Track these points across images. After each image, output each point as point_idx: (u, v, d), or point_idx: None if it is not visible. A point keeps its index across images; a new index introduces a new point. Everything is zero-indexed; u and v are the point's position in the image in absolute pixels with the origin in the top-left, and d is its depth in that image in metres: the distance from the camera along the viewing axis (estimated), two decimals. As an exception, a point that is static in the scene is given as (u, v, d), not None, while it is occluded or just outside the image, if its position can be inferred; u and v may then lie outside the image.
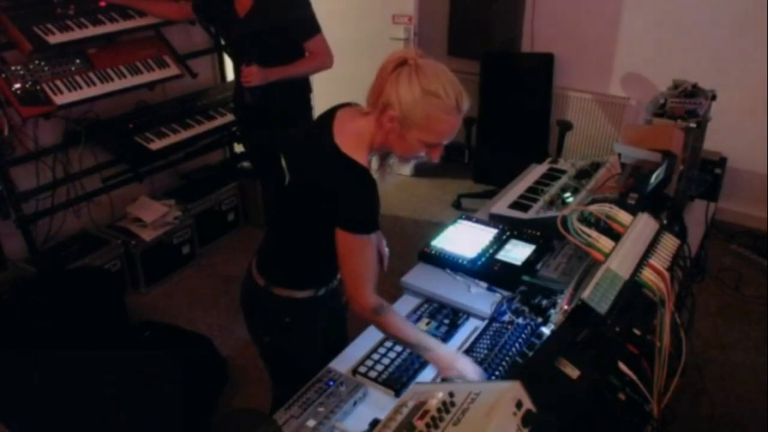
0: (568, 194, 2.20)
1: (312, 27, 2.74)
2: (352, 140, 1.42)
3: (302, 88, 2.94)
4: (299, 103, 2.94)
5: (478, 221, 2.18)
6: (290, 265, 1.66)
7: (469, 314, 1.80)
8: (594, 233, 1.46)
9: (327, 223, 1.49)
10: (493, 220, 2.19)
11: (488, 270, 1.90)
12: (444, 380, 1.49)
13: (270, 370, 1.87)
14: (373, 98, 1.41)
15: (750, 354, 2.90)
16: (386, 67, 1.37)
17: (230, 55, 3.02)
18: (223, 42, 3.57)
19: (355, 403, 1.49)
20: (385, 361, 1.61)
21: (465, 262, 1.93)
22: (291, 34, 2.73)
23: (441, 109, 1.34)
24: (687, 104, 2.17)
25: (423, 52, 1.38)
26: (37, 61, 2.78)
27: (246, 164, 3.91)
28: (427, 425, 1.05)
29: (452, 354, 1.52)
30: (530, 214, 2.15)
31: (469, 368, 1.48)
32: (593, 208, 1.55)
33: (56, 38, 2.79)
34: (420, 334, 1.54)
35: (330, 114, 1.50)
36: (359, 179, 1.41)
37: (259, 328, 1.77)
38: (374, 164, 1.53)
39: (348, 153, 1.40)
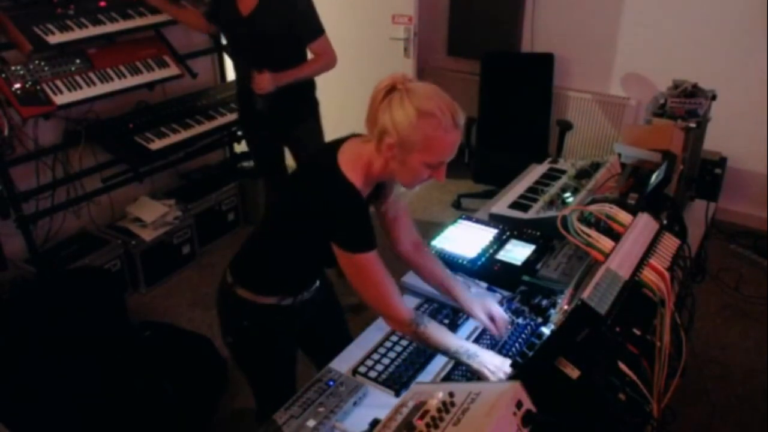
0: (568, 194, 2.20)
1: (317, 28, 2.75)
2: (350, 160, 1.42)
3: (309, 86, 2.95)
4: (307, 101, 2.96)
5: (478, 221, 2.18)
6: (257, 269, 1.65)
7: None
8: (594, 233, 1.46)
9: (304, 235, 1.49)
10: (493, 220, 2.19)
11: (488, 270, 1.90)
12: (478, 380, 1.47)
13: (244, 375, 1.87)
14: (370, 127, 1.40)
15: (750, 354, 2.90)
16: (376, 96, 1.36)
17: (231, 56, 3.00)
18: (224, 42, 3.56)
19: (355, 403, 1.49)
20: (385, 361, 1.61)
21: (465, 262, 1.93)
22: (295, 35, 2.73)
23: (439, 127, 1.32)
24: (687, 104, 2.17)
25: (410, 76, 1.36)
26: (37, 61, 2.78)
27: (246, 164, 3.91)
28: (427, 425, 1.05)
29: (498, 358, 1.49)
30: (530, 214, 2.15)
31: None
32: (593, 208, 1.55)
33: (56, 38, 2.79)
34: (460, 340, 1.52)
35: (342, 139, 1.51)
36: (346, 195, 1.40)
37: (222, 327, 1.78)
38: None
39: (343, 170, 1.40)
